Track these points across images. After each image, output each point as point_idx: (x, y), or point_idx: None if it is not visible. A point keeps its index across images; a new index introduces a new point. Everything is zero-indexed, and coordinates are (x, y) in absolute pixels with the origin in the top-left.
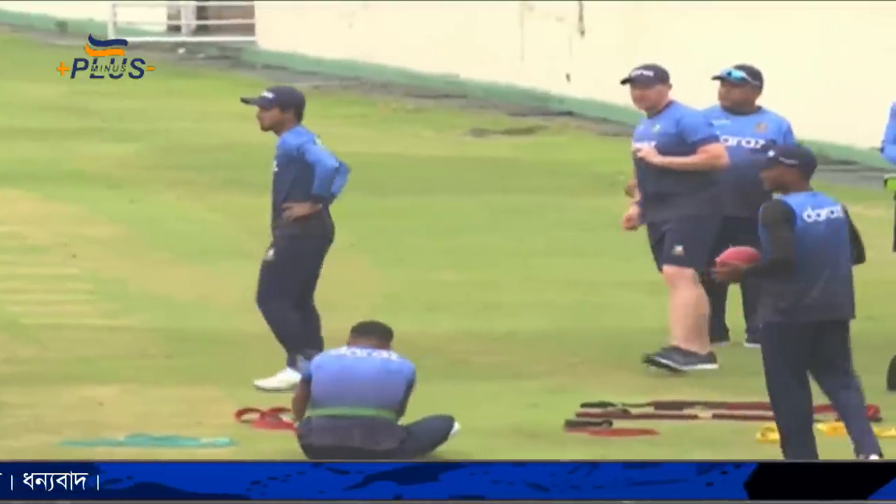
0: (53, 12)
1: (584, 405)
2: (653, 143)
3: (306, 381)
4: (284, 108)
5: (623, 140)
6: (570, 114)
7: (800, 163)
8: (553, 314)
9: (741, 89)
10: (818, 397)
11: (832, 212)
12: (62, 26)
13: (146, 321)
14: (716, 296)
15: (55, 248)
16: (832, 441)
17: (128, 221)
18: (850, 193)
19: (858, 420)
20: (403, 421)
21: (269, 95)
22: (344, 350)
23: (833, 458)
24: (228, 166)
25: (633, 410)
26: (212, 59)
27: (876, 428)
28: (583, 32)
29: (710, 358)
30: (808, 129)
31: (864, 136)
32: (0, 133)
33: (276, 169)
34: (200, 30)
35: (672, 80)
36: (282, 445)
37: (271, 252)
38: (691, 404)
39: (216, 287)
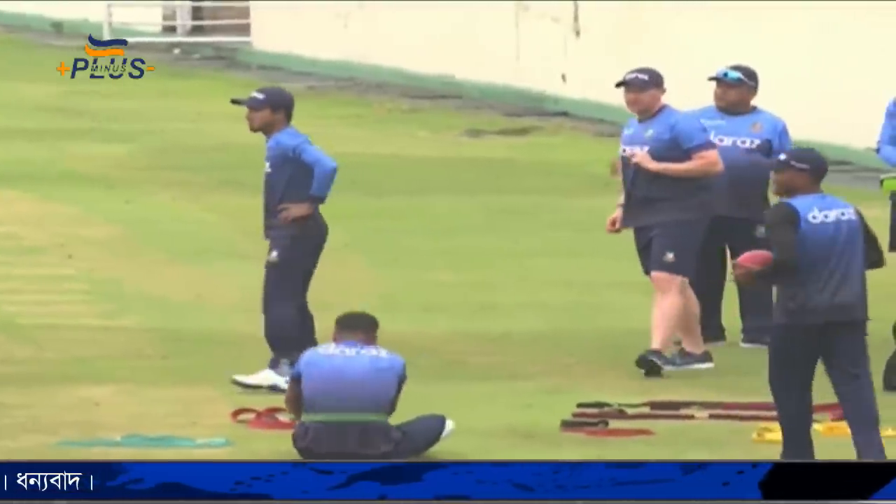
0: (49, 13)
1: (580, 405)
2: (646, 148)
3: (296, 379)
4: (275, 108)
5: (619, 141)
6: (565, 114)
7: (811, 167)
8: (548, 315)
9: (737, 90)
10: (818, 397)
11: (843, 213)
12: (58, 27)
13: (142, 321)
14: (711, 295)
15: (51, 249)
16: (831, 441)
17: (123, 222)
18: (846, 194)
19: (861, 428)
20: (394, 417)
21: (260, 96)
22: (333, 348)
23: (832, 458)
24: (224, 167)
25: (630, 411)
26: (207, 60)
27: None
28: (578, 33)
29: (706, 357)
30: (804, 129)
31: (860, 136)
32: None
33: (268, 170)
34: (196, 30)
35: (667, 81)
36: (277, 446)
37: (274, 254)
38: (687, 404)
39: (212, 287)
